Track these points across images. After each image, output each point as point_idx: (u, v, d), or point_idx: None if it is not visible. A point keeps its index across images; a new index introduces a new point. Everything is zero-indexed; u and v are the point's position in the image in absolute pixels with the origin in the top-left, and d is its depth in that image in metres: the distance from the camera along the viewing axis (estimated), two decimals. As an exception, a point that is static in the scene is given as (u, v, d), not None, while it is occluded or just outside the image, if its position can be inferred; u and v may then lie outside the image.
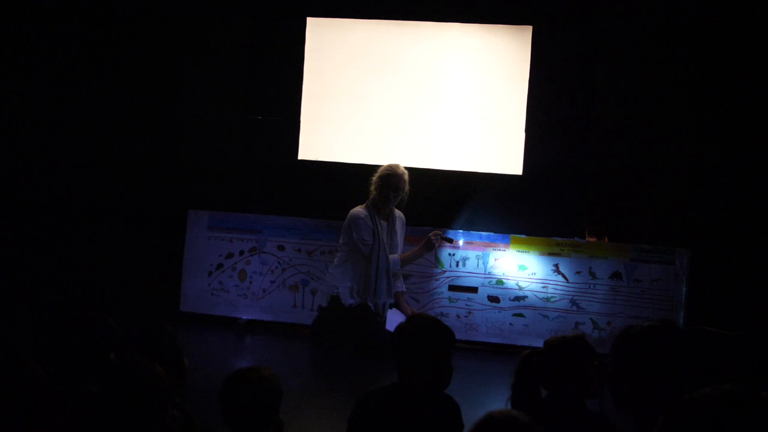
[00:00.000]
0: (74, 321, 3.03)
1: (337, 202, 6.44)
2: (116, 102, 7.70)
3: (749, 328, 6.13)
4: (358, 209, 6.02)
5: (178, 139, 7.71)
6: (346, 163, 7.33)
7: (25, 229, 7.54)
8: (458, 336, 5.69)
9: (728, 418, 1.46)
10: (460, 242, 6.39)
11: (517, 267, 6.34)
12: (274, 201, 7.23)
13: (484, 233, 6.44)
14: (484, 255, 6.38)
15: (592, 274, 6.27)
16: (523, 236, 6.40)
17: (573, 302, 6.27)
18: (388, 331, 5.50)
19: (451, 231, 6.41)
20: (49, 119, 7.70)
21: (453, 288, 6.41)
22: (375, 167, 6.11)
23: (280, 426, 2.74)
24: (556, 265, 6.31)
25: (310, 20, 7.54)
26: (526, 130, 7.20)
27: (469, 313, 6.38)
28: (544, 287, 6.31)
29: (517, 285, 6.33)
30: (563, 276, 6.29)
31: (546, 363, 2.80)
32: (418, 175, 6.57)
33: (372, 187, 6.01)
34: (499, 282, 6.36)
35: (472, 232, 6.47)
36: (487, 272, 6.37)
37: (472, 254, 6.39)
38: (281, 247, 6.66)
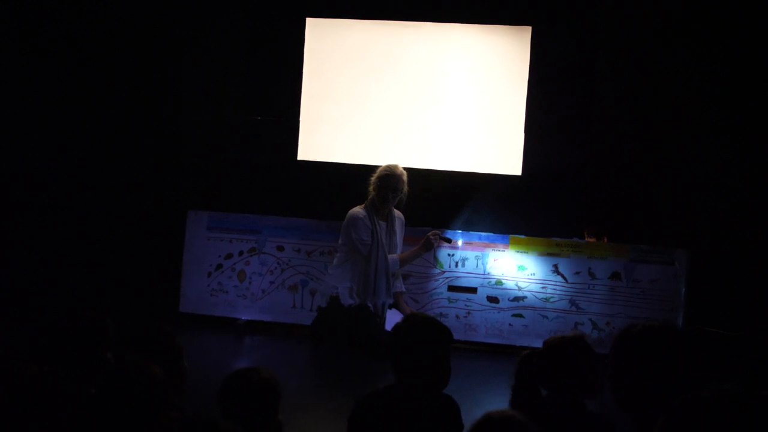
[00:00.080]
0: (71, 321, 3.02)
1: (337, 202, 6.44)
2: (116, 102, 7.70)
3: (748, 329, 6.13)
4: (357, 209, 6.01)
5: (178, 139, 7.71)
6: (346, 164, 7.32)
7: (24, 229, 7.54)
8: (457, 336, 5.70)
9: (728, 418, 1.46)
10: (459, 242, 6.39)
11: (517, 267, 6.34)
12: (273, 201, 7.22)
13: (483, 233, 6.44)
14: (483, 255, 6.38)
15: (592, 275, 6.27)
16: (523, 237, 6.40)
17: (572, 303, 6.27)
18: (388, 332, 5.50)
19: (450, 231, 6.41)
20: (49, 119, 7.69)
21: (452, 288, 6.41)
22: (374, 168, 6.11)
23: (279, 426, 2.74)
24: (556, 266, 6.31)
25: (309, 21, 7.54)
26: (526, 131, 7.19)
27: (468, 313, 6.38)
28: (543, 288, 6.31)
29: (517, 285, 6.33)
30: (562, 276, 6.29)
31: (545, 363, 2.80)
32: (417, 175, 6.56)
33: (371, 188, 6.01)
34: (499, 282, 6.36)
35: (471, 232, 6.47)
36: (486, 273, 6.37)
37: (471, 255, 6.39)
38: (280, 248, 6.66)
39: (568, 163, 7.15)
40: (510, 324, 6.33)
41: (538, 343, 2.97)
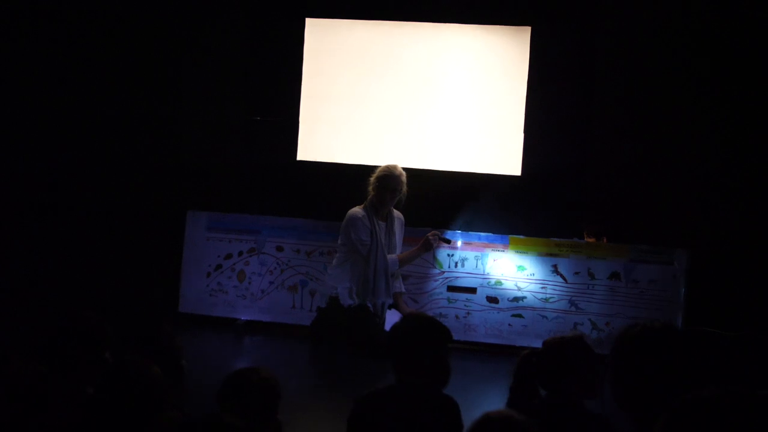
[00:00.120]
0: (69, 321, 3.02)
1: (336, 202, 6.44)
2: (115, 102, 7.70)
3: (748, 329, 6.13)
4: (356, 210, 6.01)
5: (177, 139, 7.70)
6: (345, 164, 7.32)
7: (23, 229, 7.53)
8: (457, 337, 5.71)
9: (728, 418, 1.46)
10: (459, 243, 6.39)
11: (516, 268, 6.34)
12: (272, 202, 7.22)
13: (482, 234, 6.44)
14: (482, 256, 6.38)
15: (591, 275, 6.27)
16: (522, 237, 6.40)
17: (572, 303, 6.27)
18: (387, 332, 5.50)
19: (449, 232, 6.41)
20: (49, 119, 7.69)
21: (452, 289, 6.41)
22: (374, 168, 6.11)
23: (279, 426, 2.74)
24: (555, 266, 6.31)
25: (308, 21, 7.53)
26: (525, 131, 7.19)
27: (468, 313, 6.38)
28: (542, 288, 6.31)
29: (516, 286, 6.33)
30: (562, 276, 6.29)
31: (545, 363, 2.80)
32: (416, 175, 6.56)
33: (370, 188, 6.01)
34: (498, 283, 6.36)
35: (470, 232, 6.47)
36: (485, 273, 6.37)
37: (470, 255, 6.39)
38: (280, 248, 6.66)
39: (567, 164, 7.15)
40: (509, 324, 6.33)
41: (538, 344, 2.97)
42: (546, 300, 6.30)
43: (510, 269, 6.34)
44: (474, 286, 6.38)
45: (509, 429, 1.88)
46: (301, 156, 7.54)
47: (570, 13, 7.16)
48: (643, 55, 7.03)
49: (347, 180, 6.73)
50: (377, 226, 5.97)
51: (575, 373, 2.77)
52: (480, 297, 6.37)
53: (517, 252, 6.34)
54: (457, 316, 6.36)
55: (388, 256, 5.98)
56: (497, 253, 6.35)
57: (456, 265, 6.40)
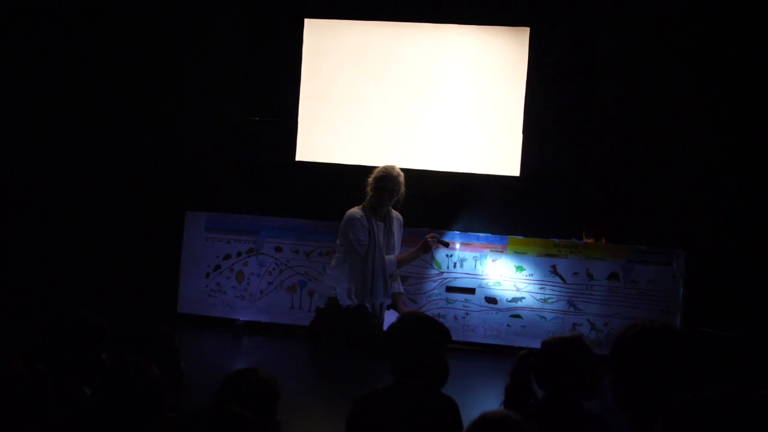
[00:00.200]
0: (68, 321, 3.02)
1: (335, 203, 6.44)
2: (114, 102, 7.69)
3: (746, 329, 6.14)
4: (355, 210, 6.02)
5: (176, 140, 7.70)
6: (344, 164, 7.32)
7: (22, 229, 7.53)
8: (456, 337, 5.70)
9: (728, 418, 1.46)
10: (457, 246, 6.39)
11: (515, 268, 6.34)
12: (271, 202, 7.21)
13: (481, 234, 6.44)
14: (481, 256, 6.38)
15: (590, 276, 6.27)
16: (521, 237, 6.40)
17: (570, 303, 6.27)
18: (385, 332, 5.50)
19: (448, 232, 6.41)
20: (48, 119, 7.68)
21: (450, 289, 6.41)
22: (373, 168, 6.11)
23: (278, 427, 2.74)
24: (554, 266, 6.31)
25: (307, 21, 7.53)
26: (524, 132, 7.19)
27: (467, 314, 6.38)
28: (541, 288, 6.31)
29: (515, 286, 6.33)
30: (560, 277, 6.29)
31: (543, 364, 2.80)
32: (415, 176, 6.56)
33: (368, 189, 6.01)
34: (497, 283, 6.36)
35: (469, 233, 6.47)
36: (484, 273, 6.37)
37: (469, 255, 6.39)
38: (279, 249, 6.66)
39: (566, 164, 7.15)
40: (508, 325, 6.33)
41: (536, 344, 2.97)
42: (545, 300, 6.30)
43: (508, 270, 6.34)
44: (473, 286, 6.38)
45: (506, 429, 1.88)
46: (299, 156, 7.54)
47: (569, 14, 7.16)
48: (641, 56, 7.04)
49: (346, 180, 6.73)
50: (376, 227, 5.97)
51: (574, 374, 2.77)
52: (479, 297, 6.37)
53: (516, 252, 6.35)
54: (455, 317, 6.36)
55: (386, 257, 5.98)
56: (496, 253, 6.36)
57: (455, 266, 6.40)
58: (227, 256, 6.72)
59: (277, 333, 6.50)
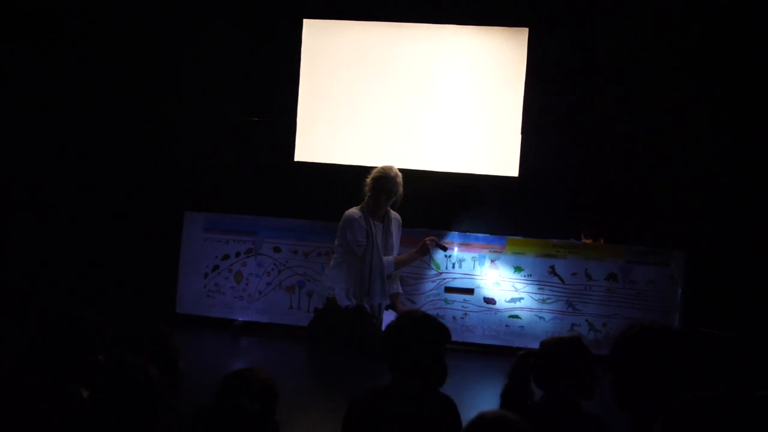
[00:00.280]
0: (66, 321, 3.01)
1: (334, 203, 6.43)
2: (113, 103, 7.68)
3: (744, 329, 6.13)
4: (353, 210, 6.02)
5: (175, 140, 7.69)
6: (343, 165, 7.32)
7: (21, 229, 7.52)
8: (454, 338, 5.69)
9: (728, 419, 1.46)
10: (455, 250, 6.38)
11: (513, 269, 6.34)
12: (270, 202, 7.21)
13: (480, 235, 6.44)
14: (480, 257, 6.38)
15: (588, 276, 6.27)
16: (519, 238, 6.40)
17: (569, 304, 6.28)
18: (383, 331, 5.49)
19: (447, 233, 6.41)
20: (47, 119, 7.67)
21: (449, 290, 6.41)
22: (371, 169, 6.11)
23: (277, 427, 2.73)
24: (552, 267, 6.31)
25: (306, 22, 7.53)
26: (523, 132, 7.20)
27: (465, 314, 6.38)
28: (540, 289, 6.31)
29: (513, 287, 6.33)
30: (559, 277, 6.29)
31: (542, 364, 2.80)
32: (414, 176, 6.56)
33: (365, 189, 6.01)
34: (495, 284, 6.36)
35: (468, 233, 6.47)
36: (483, 274, 6.37)
37: (468, 256, 6.39)
38: (277, 249, 6.65)
39: (564, 165, 7.16)
40: (507, 325, 6.33)
41: (535, 345, 2.97)
42: (543, 301, 6.30)
43: (507, 270, 6.34)
44: (471, 287, 6.38)
45: (503, 429, 1.88)
46: (298, 157, 7.54)
47: (567, 15, 7.16)
48: (640, 57, 7.04)
49: (344, 181, 6.73)
50: (374, 227, 5.97)
51: (573, 374, 2.77)
52: (477, 298, 6.37)
53: (515, 253, 6.35)
54: (454, 317, 6.36)
55: (384, 258, 5.97)
56: (495, 254, 6.36)
57: (453, 266, 6.40)
58: (226, 257, 6.72)
59: (275, 333, 6.50)
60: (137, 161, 7.66)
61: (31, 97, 7.65)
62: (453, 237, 6.41)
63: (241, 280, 6.67)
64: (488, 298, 6.36)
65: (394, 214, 6.15)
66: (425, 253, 6.16)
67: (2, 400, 2.43)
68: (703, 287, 6.43)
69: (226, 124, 7.67)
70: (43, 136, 7.66)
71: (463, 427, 1.95)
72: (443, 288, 6.41)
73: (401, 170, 6.10)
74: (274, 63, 7.60)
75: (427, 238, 6.13)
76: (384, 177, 5.98)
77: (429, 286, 6.43)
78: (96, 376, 2.51)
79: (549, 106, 7.15)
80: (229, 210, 6.96)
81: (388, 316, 6.00)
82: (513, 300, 6.32)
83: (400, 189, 6.03)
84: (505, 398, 2.80)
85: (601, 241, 6.63)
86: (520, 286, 6.32)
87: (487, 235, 6.43)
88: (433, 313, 6.26)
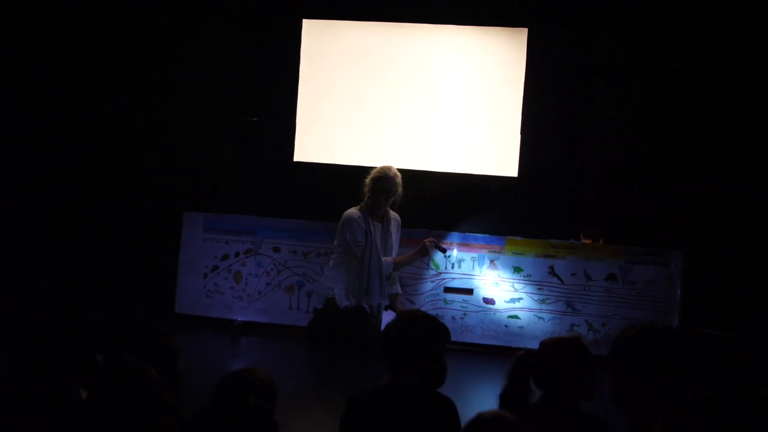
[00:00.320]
0: (65, 321, 3.01)
1: (333, 203, 6.43)
2: (112, 103, 7.68)
3: (744, 330, 6.12)
4: (352, 210, 6.02)
5: (174, 140, 7.69)
6: (342, 165, 7.32)
7: (20, 229, 7.51)
8: (453, 338, 5.67)
9: (727, 419, 1.46)
10: (454, 252, 6.38)
11: (513, 269, 6.34)
12: (269, 203, 7.21)
13: (479, 235, 6.44)
14: (479, 257, 6.38)
15: (587, 276, 6.27)
16: (519, 238, 6.40)
17: (568, 304, 6.28)
18: (383, 331, 5.49)
19: (447, 233, 6.41)
20: (47, 119, 7.66)
21: (448, 290, 6.41)
22: (370, 169, 6.11)
23: (275, 427, 2.73)
24: (551, 267, 6.31)
25: (305, 22, 7.53)
26: (522, 132, 7.20)
27: (465, 314, 6.38)
28: (539, 289, 6.31)
29: (513, 287, 6.33)
30: (558, 278, 6.29)
31: (541, 364, 2.80)
32: (413, 176, 6.56)
33: (365, 189, 6.01)
34: (495, 284, 6.36)
35: (467, 233, 6.47)
36: (482, 274, 6.37)
37: (467, 256, 6.39)
38: (277, 249, 6.65)
39: (564, 165, 7.16)
40: (506, 325, 6.33)
41: (534, 345, 2.97)
42: (542, 301, 6.30)
43: (506, 270, 6.34)
44: (470, 287, 6.38)
45: (502, 429, 1.88)
46: (297, 157, 7.54)
47: (567, 15, 7.16)
48: (639, 57, 7.04)
49: (344, 181, 6.73)
50: (373, 227, 5.97)
51: (572, 375, 2.77)
52: (476, 298, 6.37)
53: (514, 253, 6.35)
54: (453, 318, 6.36)
55: (383, 258, 5.97)
56: (494, 254, 6.36)
57: (453, 266, 6.40)
58: (225, 257, 6.71)
59: (275, 333, 6.50)
60: (137, 161, 7.65)
61: (31, 97, 7.64)
62: (452, 237, 6.41)
63: (241, 281, 6.67)
64: (487, 299, 6.36)
65: (393, 214, 6.15)
66: (424, 254, 6.16)
67: (2, 400, 2.42)
68: (702, 287, 6.43)
69: (225, 124, 7.67)
70: (43, 136, 7.65)
71: (462, 427, 1.94)
72: (442, 288, 6.41)
73: (401, 170, 6.10)
74: (274, 63, 7.60)
75: (426, 240, 6.13)
76: (383, 177, 5.98)
77: (428, 286, 6.43)
78: (95, 377, 2.51)
79: (548, 106, 7.15)
80: (229, 210, 6.96)
81: (388, 317, 6.00)
82: (512, 300, 6.32)
83: (400, 189, 6.03)
84: (505, 398, 2.80)
85: (601, 241, 6.63)
86: (519, 286, 6.32)
87: (487, 235, 6.43)
88: (432, 313, 6.23)
